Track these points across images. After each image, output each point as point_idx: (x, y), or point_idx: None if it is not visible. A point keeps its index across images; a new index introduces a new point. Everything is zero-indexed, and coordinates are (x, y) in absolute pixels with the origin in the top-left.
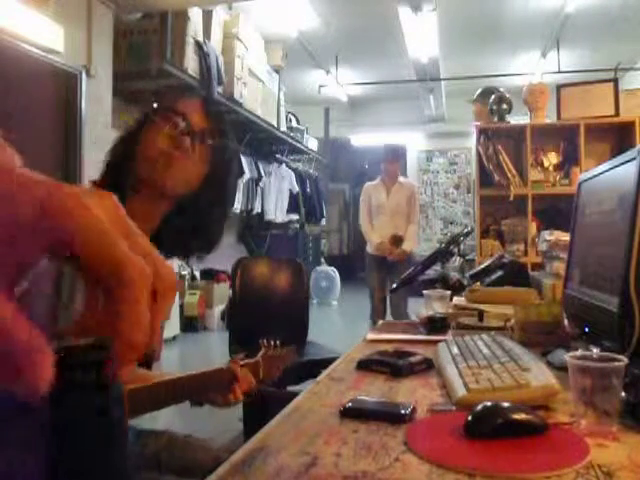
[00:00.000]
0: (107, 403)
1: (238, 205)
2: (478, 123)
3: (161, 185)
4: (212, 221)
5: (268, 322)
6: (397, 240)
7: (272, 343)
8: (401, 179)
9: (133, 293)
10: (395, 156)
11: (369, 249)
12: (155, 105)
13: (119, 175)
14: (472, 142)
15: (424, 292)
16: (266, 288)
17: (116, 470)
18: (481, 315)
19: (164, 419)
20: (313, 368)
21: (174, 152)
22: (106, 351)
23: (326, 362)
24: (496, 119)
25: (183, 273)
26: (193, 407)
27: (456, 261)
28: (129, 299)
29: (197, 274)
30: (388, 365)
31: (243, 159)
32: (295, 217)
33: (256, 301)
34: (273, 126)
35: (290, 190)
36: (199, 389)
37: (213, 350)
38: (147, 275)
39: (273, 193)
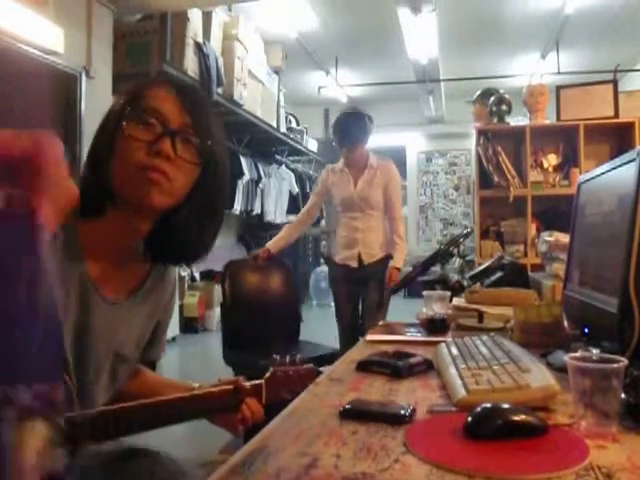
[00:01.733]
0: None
1: (238, 206)
2: (478, 124)
3: (147, 204)
4: (207, 229)
5: (259, 324)
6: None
7: (286, 360)
8: (372, 160)
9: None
10: (353, 140)
11: (337, 257)
12: (120, 105)
13: (95, 194)
14: (472, 143)
15: (424, 293)
16: (255, 290)
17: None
18: (481, 316)
19: None
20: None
21: (154, 163)
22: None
23: (321, 359)
24: (496, 120)
25: (183, 274)
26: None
27: (456, 262)
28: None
29: (197, 275)
30: (388, 366)
31: (243, 160)
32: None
33: (246, 303)
34: (273, 127)
35: (290, 191)
36: (198, 413)
37: (212, 351)
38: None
39: (273, 194)
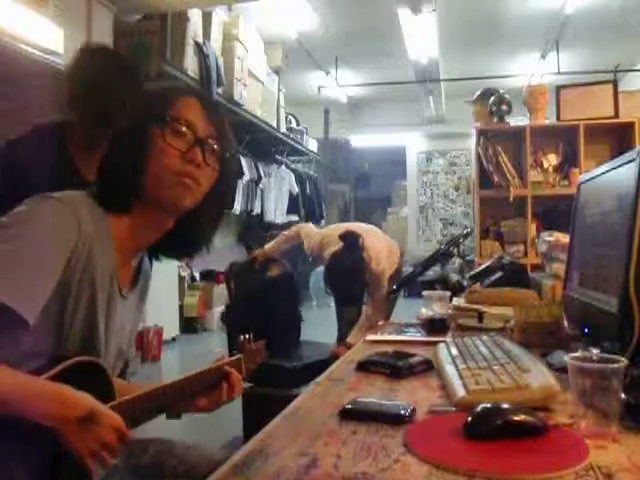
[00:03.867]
0: None
1: (238, 206)
2: (478, 124)
3: (179, 206)
4: (215, 226)
5: (262, 324)
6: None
7: (247, 337)
8: None
9: None
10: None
11: None
12: (154, 111)
13: (124, 189)
14: (472, 143)
15: (424, 293)
16: (257, 292)
17: None
18: (481, 316)
19: (163, 422)
20: (308, 369)
21: (188, 169)
22: None
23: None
24: (496, 120)
25: (183, 274)
26: (169, 419)
27: (456, 262)
28: None
29: (197, 275)
30: (388, 366)
31: (243, 160)
32: (295, 218)
33: (248, 304)
34: (273, 127)
35: (290, 191)
36: (183, 397)
37: (212, 351)
38: None
39: (273, 194)
